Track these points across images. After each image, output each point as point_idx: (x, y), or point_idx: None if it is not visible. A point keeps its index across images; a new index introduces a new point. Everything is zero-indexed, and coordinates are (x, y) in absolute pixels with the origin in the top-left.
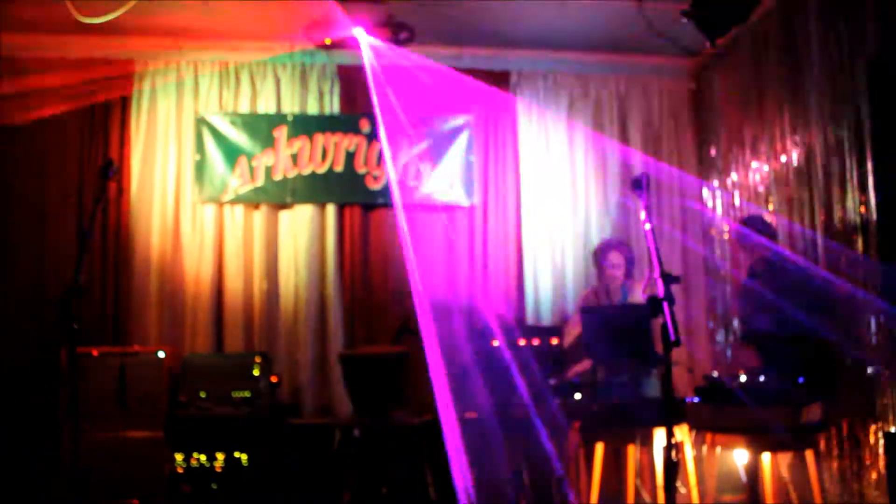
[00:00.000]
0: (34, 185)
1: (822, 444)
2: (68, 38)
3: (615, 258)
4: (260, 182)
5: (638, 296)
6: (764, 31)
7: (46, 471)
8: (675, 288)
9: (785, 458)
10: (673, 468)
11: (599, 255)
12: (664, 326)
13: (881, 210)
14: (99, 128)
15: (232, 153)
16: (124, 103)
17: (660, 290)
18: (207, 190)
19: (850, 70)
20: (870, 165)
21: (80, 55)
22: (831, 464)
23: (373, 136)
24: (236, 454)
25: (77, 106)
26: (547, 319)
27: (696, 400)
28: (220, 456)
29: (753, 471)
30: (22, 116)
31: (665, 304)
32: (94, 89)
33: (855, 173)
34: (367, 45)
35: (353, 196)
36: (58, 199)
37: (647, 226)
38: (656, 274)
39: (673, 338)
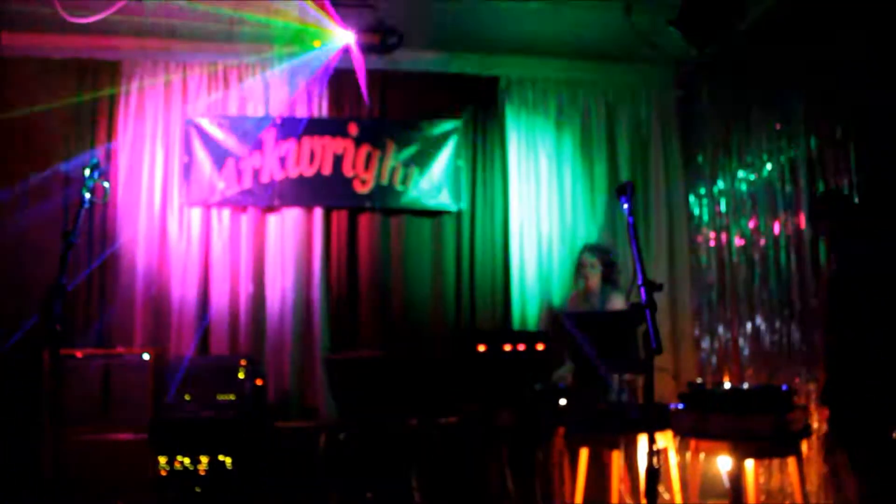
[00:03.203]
0: (20, 185)
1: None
2: (55, 37)
3: (588, 259)
4: (247, 185)
5: (616, 301)
6: (751, 40)
7: (29, 473)
8: (661, 295)
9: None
10: (654, 474)
11: (577, 258)
12: (646, 333)
13: None
14: (86, 128)
15: (220, 155)
16: (112, 103)
17: (642, 297)
18: (195, 192)
19: (836, 77)
20: (853, 173)
21: (67, 55)
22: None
23: (361, 140)
24: (220, 457)
25: (64, 106)
26: (533, 325)
27: (680, 406)
28: (204, 459)
29: (736, 477)
30: (7, 116)
31: (647, 312)
32: (82, 89)
33: (841, 181)
34: (357, 49)
35: (340, 200)
36: (43, 200)
37: (631, 233)
38: (639, 281)
39: (654, 345)
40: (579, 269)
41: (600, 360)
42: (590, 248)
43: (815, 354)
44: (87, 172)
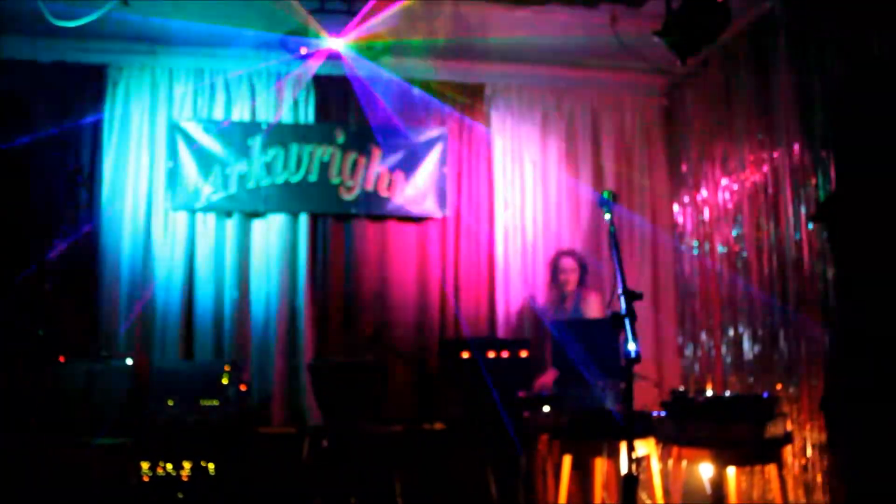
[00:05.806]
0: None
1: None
2: (41, 40)
3: (567, 263)
4: (233, 190)
5: (592, 304)
6: (734, 50)
7: (9, 478)
8: (645, 303)
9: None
10: (631, 481)
11: (554, 262)
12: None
13: None
14: (71, 132)
15: (205, 161)
16: (97, 107)
17: (622, 306)
18: (180, 197)
19: (817, 89)
20: (833, 183)
21: (52, 58)
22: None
23: (347, 147)
24: (203, 463)
25: (48, 110)
26: (517, 332)
27: (662, 414)
28: (186, 465)
29: (718, 484)
30: None
31: (626, 321)
32: (67, 93)
33: (819, 191)
34: (343, 56)
35: (326, 206)
36: (26, 204)
37: (612, 243)
38: (619, 290)
39: (633, 354)
40: (558, 274)
41: (583, 366)
42: (567, 253)
43: (797, 362)
44: (70, 178)
